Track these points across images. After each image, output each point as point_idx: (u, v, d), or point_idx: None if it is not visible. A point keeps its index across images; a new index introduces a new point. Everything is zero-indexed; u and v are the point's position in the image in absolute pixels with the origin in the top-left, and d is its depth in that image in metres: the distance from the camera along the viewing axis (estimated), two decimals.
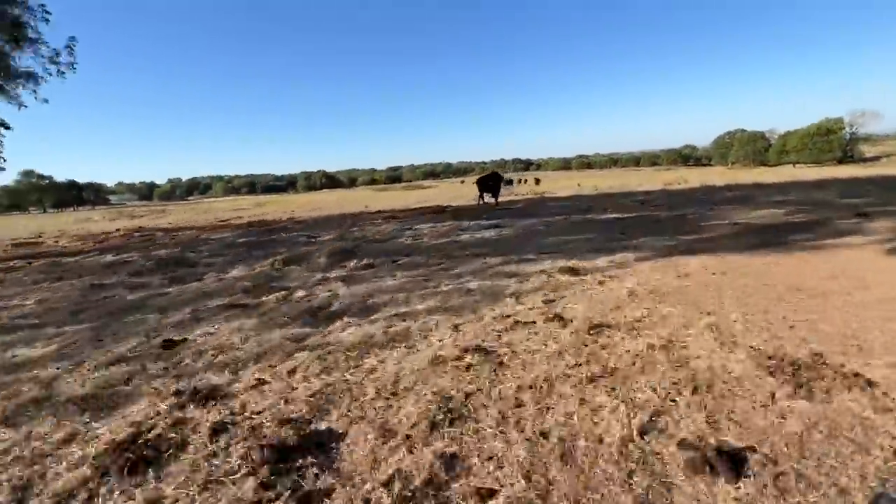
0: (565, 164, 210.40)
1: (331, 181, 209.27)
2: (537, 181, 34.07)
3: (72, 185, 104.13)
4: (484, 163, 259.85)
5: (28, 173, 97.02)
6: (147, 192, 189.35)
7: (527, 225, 8.26)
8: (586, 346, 3.57)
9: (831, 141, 78.30)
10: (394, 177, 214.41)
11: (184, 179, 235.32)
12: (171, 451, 2.54)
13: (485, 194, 12.97)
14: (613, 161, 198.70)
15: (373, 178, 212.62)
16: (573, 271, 5.93)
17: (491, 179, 13.06)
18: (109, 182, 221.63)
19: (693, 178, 30.01)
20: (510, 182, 33.84)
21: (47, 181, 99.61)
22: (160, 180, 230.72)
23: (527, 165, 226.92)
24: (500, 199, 19.36)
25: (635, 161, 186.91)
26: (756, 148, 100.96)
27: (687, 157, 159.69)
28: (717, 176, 31.13)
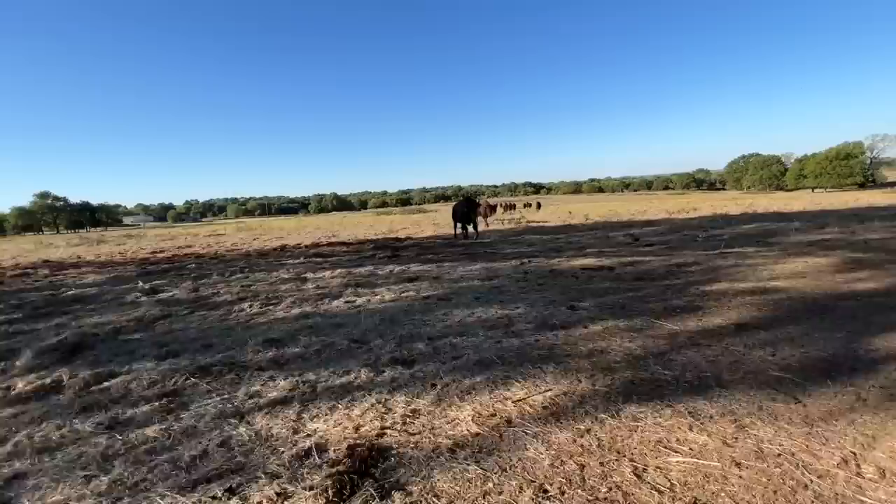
0: (576, 188, 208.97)
1: (341, 204, 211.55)
2: (538, 206, 32.19)
3: (85, 207, 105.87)
4: (495, 186, 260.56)
5: (44, 195, 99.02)
6: (163, 213, 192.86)
7: (457, 278, 6.27)
8: None
9: (851, 165, 75.37)
10: (404, 200, 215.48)
11: (200, 201, 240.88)
12: None
13: (465, 225, 11.29)
14: (625, 185, 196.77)
15: (383, 202, 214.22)
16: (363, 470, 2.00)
17: (465, 206, 11.08)
18: (130, 203, 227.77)
19: (704, 204, 27.85)
20: (512, 206, 31.94)
21: (62, 202, 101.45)
22: (178, 202, 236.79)
23: (537, 189, 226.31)
24: (491, 226, 17.50)
25: (647, 185, 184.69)
26: (772, 172, 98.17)
27: (700, 181, 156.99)
28: (731, 202, 28.93)
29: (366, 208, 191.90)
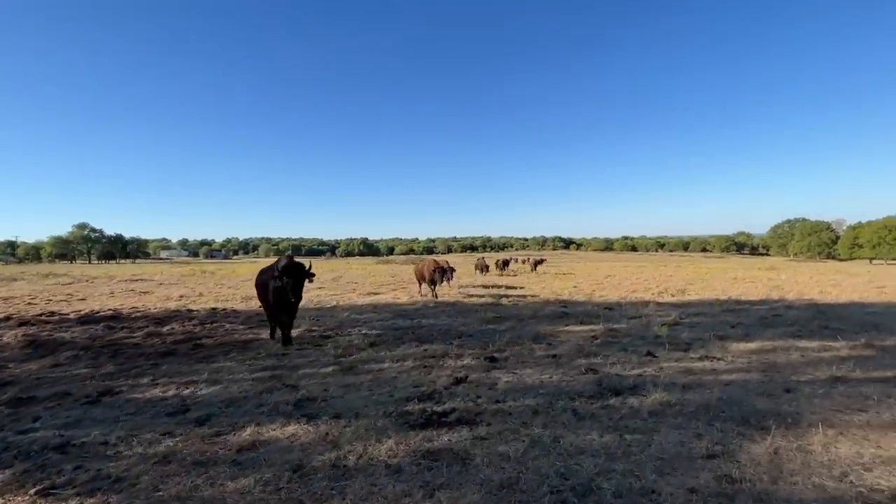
0: (607, 246, 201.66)
1: (368, 249, 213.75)
2: (536, 264, 28.24)
3: (118, 240, 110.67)
4: (525, 238, 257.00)
5: (82, 226, 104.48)
6: (199, 248, 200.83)
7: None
8: None
9: None
10: (430, 248, 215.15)
11: (240, 239, 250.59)
12: None
13: (283, 309, 6.67)
14: (660, 245, 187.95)
15: (411, 249, 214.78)
16: None
17: (288, 274, 6.27)
18: (175, 237, 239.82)
19: (743, 272, 23.20)
20: (507, 263, 28.30)
21: (97, 234, 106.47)
22: (219, 238, 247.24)
23: (567, 244, 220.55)
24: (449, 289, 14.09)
25: (684, 246, 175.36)
26: (821, 239, 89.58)
27: (741, 244, 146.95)
28: (780, 273, 24.01)
29: (392, 254, 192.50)
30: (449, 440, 3.24)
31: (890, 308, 10.14)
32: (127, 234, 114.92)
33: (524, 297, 12.88)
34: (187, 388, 4.57)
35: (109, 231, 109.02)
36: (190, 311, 10.64)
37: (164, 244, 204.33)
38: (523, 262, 41.27)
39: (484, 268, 26.45)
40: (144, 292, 15.41)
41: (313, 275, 6.65)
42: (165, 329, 7.99)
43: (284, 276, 6.11)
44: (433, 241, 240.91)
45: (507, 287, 16.29)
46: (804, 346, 6.16)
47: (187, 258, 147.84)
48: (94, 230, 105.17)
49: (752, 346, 6.22)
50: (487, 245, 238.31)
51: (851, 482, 2.60)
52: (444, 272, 12.45)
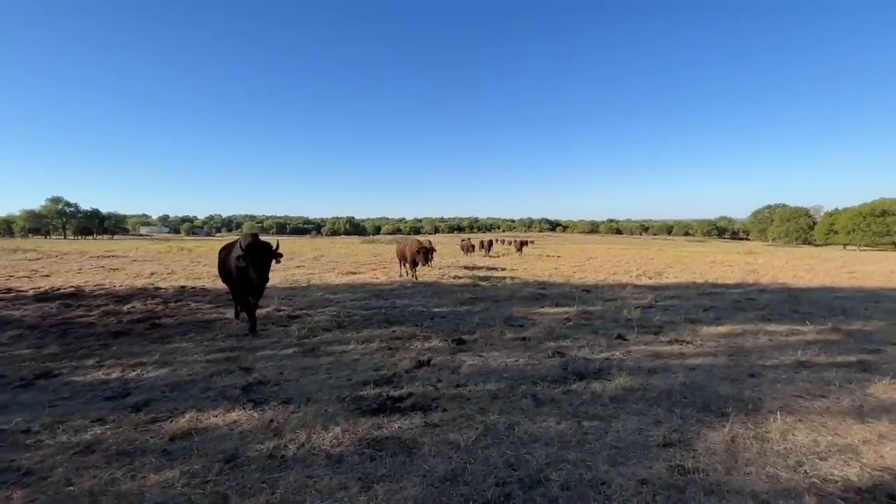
0: (593, 228, 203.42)
1: (354, 228, 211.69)
2: (521, 245, 28.18)
3: (94, 214, 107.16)
4: (512, 220, 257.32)
5: (56, 199, 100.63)
6: (180, 225, 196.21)
7: None
8: None
9: (888, 223, 68.79)
10: (417, 228, 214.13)
11: (223, 216, 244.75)
12: None
13: (249, 289, 6.08)
14: (644, 228, 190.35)
15: (397, 229, 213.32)
16: None
17: (252, 252, 5.62)
18: (155, 213, 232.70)
19: (721, 256, 23.55)
20: (491, 244, 28.12)
21: (72, 208, 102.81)
22: (203, 215, 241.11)
23: (553, 226, 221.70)
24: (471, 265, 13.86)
25: (668, 230, 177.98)
26: (799, 225, 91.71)
27: (722, 229, 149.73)
28: (757, 257, 24.40)
29: (378, 234, 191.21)
30: (399, 427, 3.08)
31: (858, 293, 10.32)
32: (104, 210, 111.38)
33: (503, 278, 12.78)
34: (133, 371, 4.32)
35: (86, 206, 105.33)
36: (157, 288, 10.26)
37: (144, 220, 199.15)
38: (509, 243, 41.28)
39: (469, 248, 26.40)
40: (114, 269, 14.86)
41: (280, 255, 6.19)
42: (125, 308, 7.65)
43: (248, 256, 5.66)
44: (420, 221, 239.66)
45: (489, 269, 16.18)
46: (773, 330, 6.16)
47: (168, 235, 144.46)
48: (69, 204, 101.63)
49: (723, 329, 6.20)
50: (474, 226, 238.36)
51: (805, 472, 2.53)
52: (428, 253, 12.19)
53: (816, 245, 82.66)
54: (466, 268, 16.36)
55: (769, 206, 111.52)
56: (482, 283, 11.63)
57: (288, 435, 2.96)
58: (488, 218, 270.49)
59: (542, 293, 9.78)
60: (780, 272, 15.51)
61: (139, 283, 11.27)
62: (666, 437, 2.94)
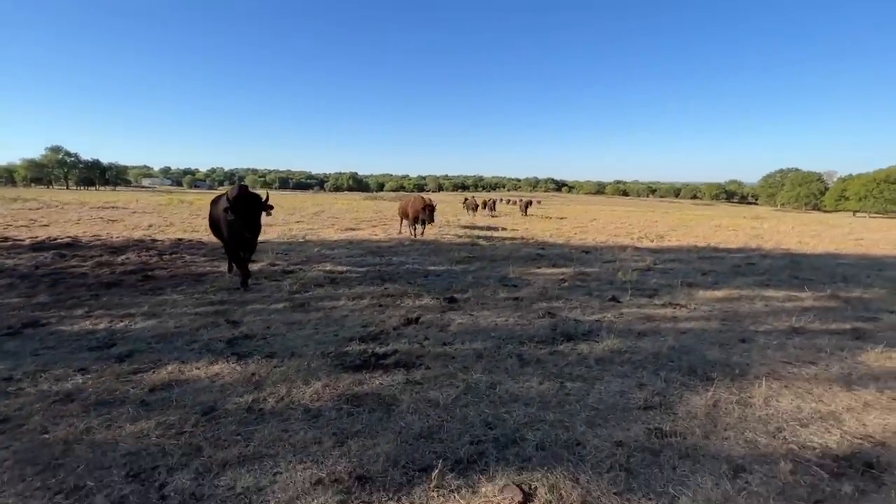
0: (599, 189, 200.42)
1: (357, 184, 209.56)
2: (527, 206, 27.79)
3: (95, 165, 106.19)
4: (517, 179, 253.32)
5: (55, 149, 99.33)
6: (182, 177, 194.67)
7: None
8: None
9: None
10: (420, 185, 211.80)
11: (226, 169, 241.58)
12: None
13: (240, 244, 5.87)
14: (651, 190, 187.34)
15: (401, 186, 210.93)
16: None
17: (240, 205, 5.42)
18: (157, 165, 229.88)
19: (727, 221, 23.24)
20: (495, 204, 27.77)
21: (73, 158, 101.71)
22: (204, 168, 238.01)
23: (559, 186, 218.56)
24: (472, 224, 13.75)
25: (675, 192, 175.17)
26: (810, 190, 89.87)
27: (731, 193, 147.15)
28: (763, 222, 24.04)
29: (381, 190, 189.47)
30: (380, 384, 3.07)
31: (862, 260, 10.15)
32: (105, 160, 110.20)
33: (503, 238, 12.65)
34: (121, 322, 4.31)
35: (87, 156, 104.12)
36: (154, 240, 10.23)
37: (146, 172, 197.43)
38: (513, 203, 40.79)
39: (473, 207, 26.08)
40: (113, 220, 14.81)
41: (271, 207, 6.06)
42: (119, 259, 7.63)
43: (235, 209, 5.53)
44: (424, 178, 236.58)
45: (489, 228, 16.02)
46: (770, 296, 6.08)
47: (170, 187, 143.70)
48: (69, 154, 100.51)
49: (719, 294, 6.12)
50: (479, 185, 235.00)
51: (784, 438, 2.50)
52: (433, 210, 11.91)
53: (826, 211, 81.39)
54: (466, 227, 16.20)
55: (781, 171, 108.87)
56: (481, 242, 11.52)
57: (268, 389, 2.96)
58: (493, 177, 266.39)
59: (541, 253, 9.68)
60: (784, 238, 15.28)
61: (136, 234, 11.24)
62: (648, 400, 2.91)
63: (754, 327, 4.61)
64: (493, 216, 24.27)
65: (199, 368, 3.26)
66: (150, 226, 13.29)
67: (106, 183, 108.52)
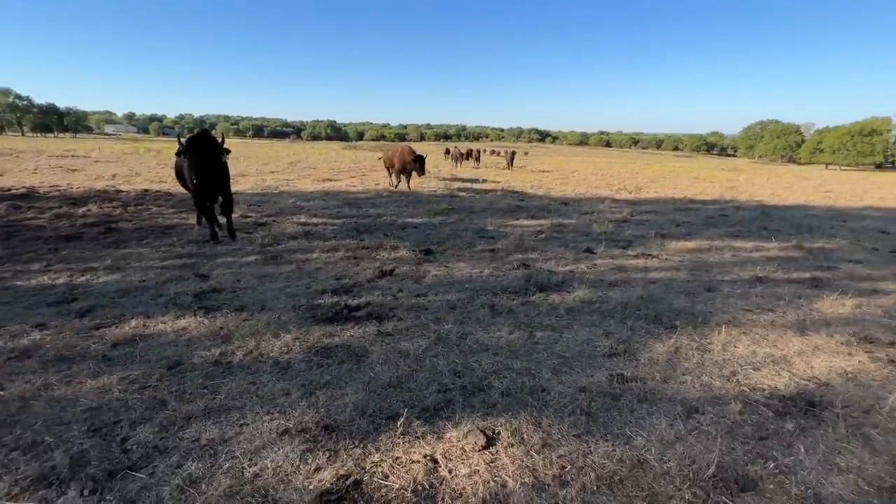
0: (582, 140, 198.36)
1: (336, 133, 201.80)
2: (512, 157, 27.13)
3: (51, 110, 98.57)
4: (501, 129, 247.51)
5: (5, 92, 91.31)
6: (148, 124, 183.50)
7: None
8: None
9: (874, 143, 68.57)
10: (402, 134, 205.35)
11: (195, 116, 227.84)
12: None
13: (209, 197, 5.48)
14: (634, 141, 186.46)
15: (382, 135, 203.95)
16: None
17: (203, 154, 5.09)
18: (120, 111, 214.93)
19: (705, 173, 23.44)
20: (479, 156, 27.22)
21: (25, 102, 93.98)
22: (172, 114, 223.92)
23: (543, 136, 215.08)
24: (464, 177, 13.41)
25: (657, 144, 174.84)
26: (788, 143, 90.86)
27: (712, 145, 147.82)
28: (739, 174, 24.32)
29: (361, 139, 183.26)
30: (351, 336, 3.07)
31: (829, 212, 10.47)
32: (61, 105, 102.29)
33: (484, 190, 12.49)
34: (82, 276, 4.15)
35: (40, 100, 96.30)
36: (118, 191, 9.74)
37: (108, 118, 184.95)
38: (499, 154, 40.00)
39: (457, 158, 25.48)
40: (73, 170, 13.97)
41: (228, 150, 5.69)
42: (80, 211, 7.25)
43: (188, 151, 5.19)
44: (405, 127, 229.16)
45: (470, 179, 15.77)
46: (738, 246, 6.24)
47: (136, 135, 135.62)
48: (19, 97, 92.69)
49: (690, 245, 6.25)
50: (462, 134, 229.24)
51: (738, 381, 2.63)
52: (423, 162, 11.40)
53: (800, 163, 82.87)
54: (447, 178, 15.91)
55: (762, 122, 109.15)
56: (460, 193, 11.37)
57: (236, 342, 2.92)
58: (476, 126, 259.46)
59: (520, 205, 9.63)
60: (758, 189, 15.57)
61: (99, 185, 10.66)
62: (613, 347, 3.00)
63: (721, 277, 4.75)
64: (476, 168, 23.84)
65: (164, 323, 3.19)
66: (114, 176, 12.60)
67: (65, 130, 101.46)
